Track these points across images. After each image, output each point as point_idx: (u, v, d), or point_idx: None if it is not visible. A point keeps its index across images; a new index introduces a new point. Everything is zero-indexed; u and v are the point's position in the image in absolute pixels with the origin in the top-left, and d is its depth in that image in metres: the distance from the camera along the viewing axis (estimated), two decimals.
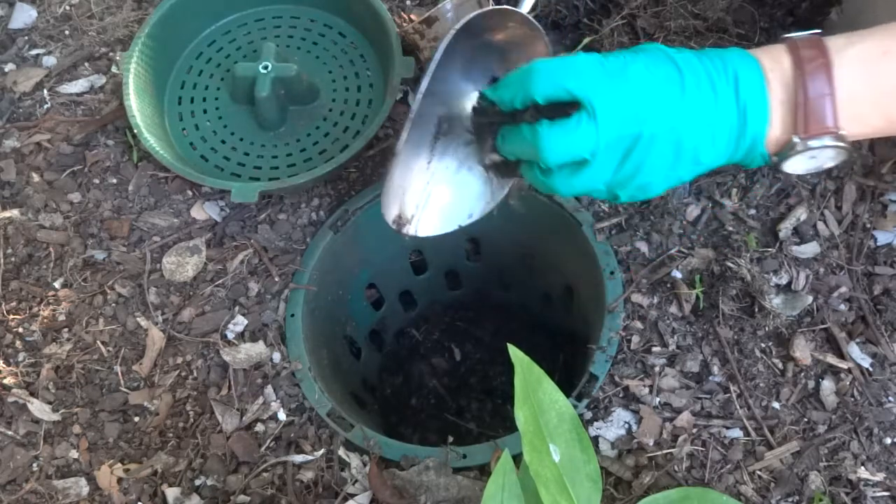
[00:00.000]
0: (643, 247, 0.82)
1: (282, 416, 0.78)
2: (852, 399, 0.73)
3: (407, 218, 0.67)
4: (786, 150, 0.54)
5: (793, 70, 0.53)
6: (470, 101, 0.64)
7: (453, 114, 0.65)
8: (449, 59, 0.60)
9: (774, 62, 0.54)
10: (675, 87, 0.53)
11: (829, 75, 0.52)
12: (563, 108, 0.54)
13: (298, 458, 0.75)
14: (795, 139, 0.53)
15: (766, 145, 0.54)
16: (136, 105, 0.88)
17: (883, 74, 0.52)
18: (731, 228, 0.81)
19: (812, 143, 0.53)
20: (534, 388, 0.57)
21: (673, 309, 0.79)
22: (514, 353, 0.58)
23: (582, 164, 0.54)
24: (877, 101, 0.53)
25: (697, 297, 0.78)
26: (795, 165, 0.55)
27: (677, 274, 0.80)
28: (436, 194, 0.68)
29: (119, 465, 0.77)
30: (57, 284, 0.86)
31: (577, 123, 0.52)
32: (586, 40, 0.89)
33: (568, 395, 0.63)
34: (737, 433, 0.73)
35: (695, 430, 0.73)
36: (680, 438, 0.73)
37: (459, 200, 0.68)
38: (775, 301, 0.77)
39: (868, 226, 0.81)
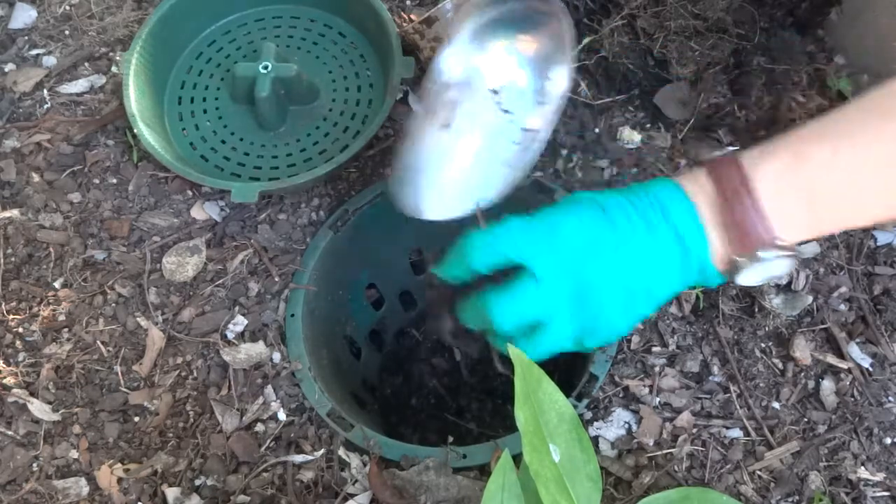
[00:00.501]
0: None
1: (282, 416, 0.78)
2: (852, 399, 0.73)
3: (418, 202, 0.66)
4: (734, 267, 0.54)
5: (714, 191, 0.54)
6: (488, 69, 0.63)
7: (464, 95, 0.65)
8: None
9: (697, 186, 0.54)
10: (606, 231, 0.54)
11: (748, 189, 0.52)
12: (513, 271, 0.55)
13: (298, 458, 0.75)
14: (736, 257, 0.53)
15: (715, 265, 0.55)
16: (136, 105, 0.88)
17: (797, 181, 0.52)
18: None
19: (758, 254, 0.53)
20: (534, 388, 0.57)
21: (673, 309, 0.79)
22: (514, 352, 0.58)
23: (539, 326, 0.55)
24: (801, 207, 0.53)
25: (697, 297, 0.78)
26: (748, 278, 0.55)
27: None
28: (448, 175, 0.67)
29: (119, 465, 0.77)
30: (57, 284, 0.86)
31: (523, 287, 0.54)
32: (586, 40, 0.89)
33: (568, 395, 0.63)
34: (737, 433, 0.73)
35: (695, 430, 0.73)
36: (680, 438, 0.73)
37: (474, 182, 0.68)
38: (775, 301, 0.77)
39: None
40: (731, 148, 0.56)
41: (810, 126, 0.54)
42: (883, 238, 0.80)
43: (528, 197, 0.88)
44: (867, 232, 0.80)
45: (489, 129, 0.65)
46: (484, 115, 0.64)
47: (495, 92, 0.62)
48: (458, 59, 0.61)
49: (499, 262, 0.55)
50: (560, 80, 0.66)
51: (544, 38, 0.64)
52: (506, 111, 0.66)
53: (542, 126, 0.66)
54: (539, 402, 0.58)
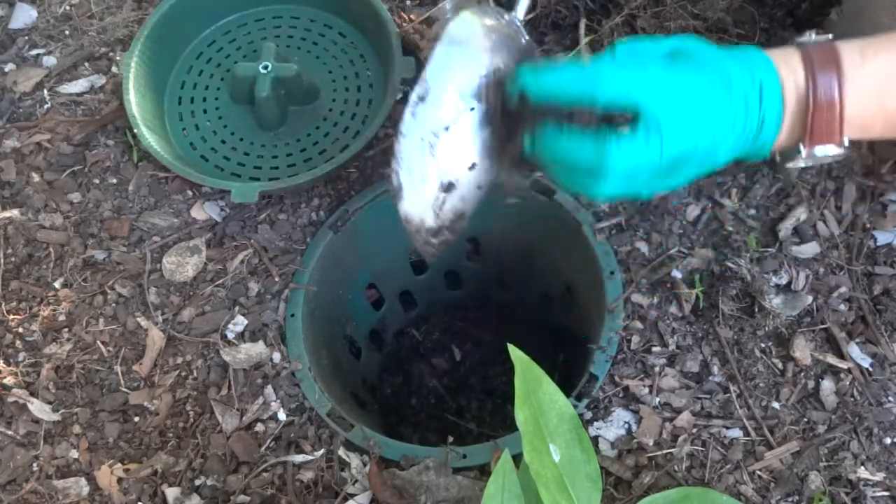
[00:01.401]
0: (643, 247, 0.82)
1: (282, 416, 0.78)
2: (852, 399, 0.73)
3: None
4: (791, 153, 0.56)
5: (805, 81, 0.54)
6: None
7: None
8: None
9: (789, 70, 0.55)
10: (724, 100, 0.53)
11: (840, 91, 0.53)
12: (612, 116, 0.53)
13: (298, 458, 0.75)
14: (800, 147, 0.55)
15: (774, 146, 0.56)
16: (136, 105, 0.88)
17: (891, 92, 0.54)
18: (731, 228, 0.81)
19: (815, 150, 0.55)
20: (534, 388, 0.57)
21: (673, 309, 0.79)
22: (514, 352, 0.58)
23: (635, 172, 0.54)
24: (884, 117, 0.55)
25: (697, 297, 0.78)
26: (794, 163, 0.57)
27: (677, 274, 0.80)
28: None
29: (119, 465, 0.77)
30: (57, 284, 0.86)
31: (645, 139, 0.52)
32: (586, 40, 0.89)
33: (568, 395, 0.63)
34: (737, 433, 0.73)
35: (695, 430, 0.73)
36: (680, 438, 0.73)
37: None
38: (775, 301, 0.77)
39: (868, 226, 0.81)
40: (828, 35, 0.56)
41: None
42: (883, 238, 0.80)
43: (527, 196, 0.88)
44: (867, 232, 0.81)
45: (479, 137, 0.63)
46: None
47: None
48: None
49: (623, 103, 0.52)
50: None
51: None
52: None
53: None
54: (539, 402, 0.58)
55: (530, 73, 0.55)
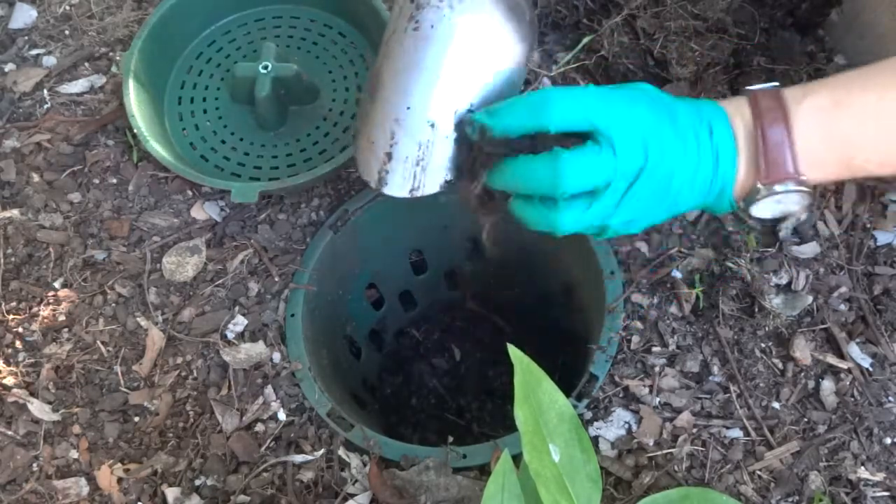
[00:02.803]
0: (643, 247, 0.82)
1: (282, 416, 0.78)
2: (852, 399, 0.73)
3: (381, 176, 0.63)
4: (752, 196, 0.57)
5: (753, 120, 0.56)
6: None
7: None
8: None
9: (737, 111, 0.57)
10: (670, 126, 0.55)
11: (786, 124, 0.55)
12: (563, 139, 0.55)
13: (298, 458, 0.75)
14: (759, 185, 0.56)
15: (734, 191, 0.57)
16: (136, 105, 0.88)
17: (835, 124, 0.56)
18: (731, 228, 0.81)
19: (776, 187, 0.56)
20: (534, 388, 0.57)
21: (673, 309, 0.79)
22: (514, 352, 0.58)
23: (592, 194, 0.56)
24: (832, 149, 0.56)
25: (697, 297, 0.78)
26: (762, 210, 0.58)
27: (677, 274, 0.80)
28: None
29: (119, 465, 0.77)
30: (57, 284, 0.86)
31: (598, 151, 0.54)
32: (586, 40, 0.89)
33: (568, 395, 0.63)
34: (737, 433, 0.73)
35: (695, 430, 0.73)
36: (680, 438, 0.73)
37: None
38: (775, 301, 0.77)
39: (868, 226, 0.81)
40: (774, 83, 0.59)
41: (852, 74, 0.57)
42: (883, 238, 0.80)
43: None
44: (867, 232, 0.80)
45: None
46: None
47: None
48: None
49: (576, 124, 0.55)
50: None
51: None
52: None
53: None
54: (539, 402, 0.58)
55: (485, 114, 0.58)
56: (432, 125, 0.60)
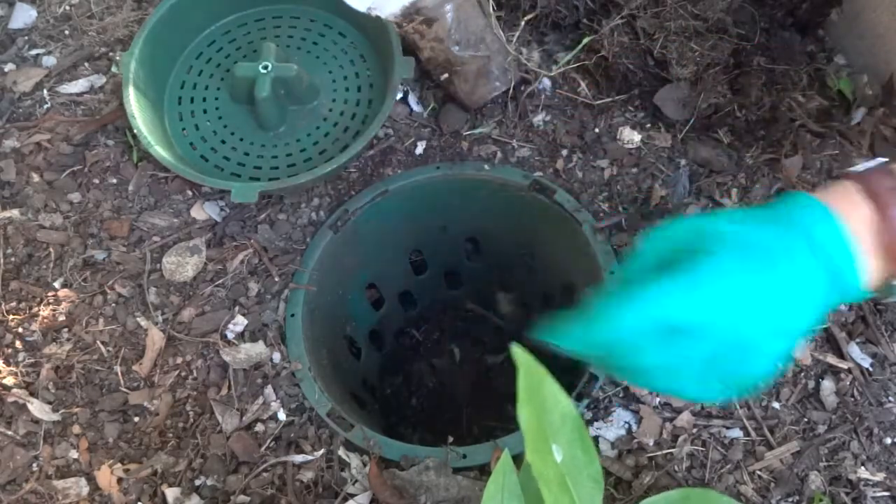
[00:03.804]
0: None
1: (282, 416, 0.78)
2: (852, 399, 0.73)
3: None
4: (885, 289, 0.51)
5: (873, 212, 0.49)
6: None
7: None
8: None
9: (850, 205, 0.49)
10: (769, 278, 0.47)
11: None
12: None
13: (298, 458, 0.75)
14: (893, 284, 0.50)
15: (867, 286, 0.50)
16: (136, 105, 0.88)
17: None
18: None
19: None
20: (537, 389, 0.57)
21: None
22: (517, 352, 0.58)
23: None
24: None
25: None
26: None
27: None
28: None
29: (119, 465, 0.77)
30: (57, 284, 0.86)
31: (689, 345, 0.47)
32: (586, 40, 0.89)
33: (567, 395, 0.63)
34: (737, 433, 0.73)
35: (695, 430, 0.73)
36: (680, 438, 0.73)
37: None
38: None
39: None
40: (879, 159, 0.52)
41: None
42: None
43: (527, 196, 0.88)
44: None
45: None
46: None
47: None
48: None
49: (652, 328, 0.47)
50: None
51: None
52: None
53: None
54: (542, 402, 0.57)
55: (557, 336, 0.52)
56: None
